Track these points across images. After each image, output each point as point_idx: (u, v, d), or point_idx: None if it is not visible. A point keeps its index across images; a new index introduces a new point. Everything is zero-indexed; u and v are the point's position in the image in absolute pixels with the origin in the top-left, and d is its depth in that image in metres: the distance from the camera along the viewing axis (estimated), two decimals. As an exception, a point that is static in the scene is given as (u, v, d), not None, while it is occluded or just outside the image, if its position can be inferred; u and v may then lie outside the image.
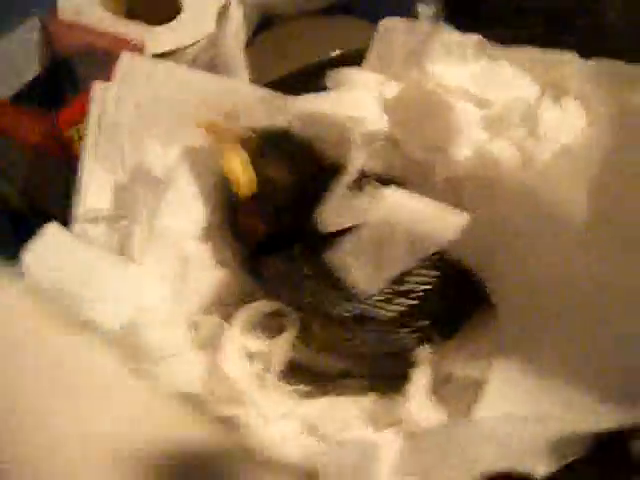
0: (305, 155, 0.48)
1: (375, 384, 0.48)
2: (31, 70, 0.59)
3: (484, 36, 0.49)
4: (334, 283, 0.45)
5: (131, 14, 0.64)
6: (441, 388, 0.46)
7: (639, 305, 0.41)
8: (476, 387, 0.44)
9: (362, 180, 0.46)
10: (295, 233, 0.47)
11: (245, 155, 0.46)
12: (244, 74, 0.59)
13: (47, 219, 0.47)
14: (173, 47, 0.59)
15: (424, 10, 0.56)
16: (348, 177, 0.44)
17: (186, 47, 0.59)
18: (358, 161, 0.44)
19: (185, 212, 0.47)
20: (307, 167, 0.48)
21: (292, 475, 0.41)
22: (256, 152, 0.47)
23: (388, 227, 0.43)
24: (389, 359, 0.48)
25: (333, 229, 0.44)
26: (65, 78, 0.58)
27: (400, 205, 0.44)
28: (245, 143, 0.47)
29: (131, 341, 0.43)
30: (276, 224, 0.48)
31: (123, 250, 0.47)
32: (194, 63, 0.59)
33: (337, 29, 0.63)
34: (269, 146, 0.48)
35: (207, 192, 0.48)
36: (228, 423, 0.42)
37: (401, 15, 0.51)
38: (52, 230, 0.45)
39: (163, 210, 0.46)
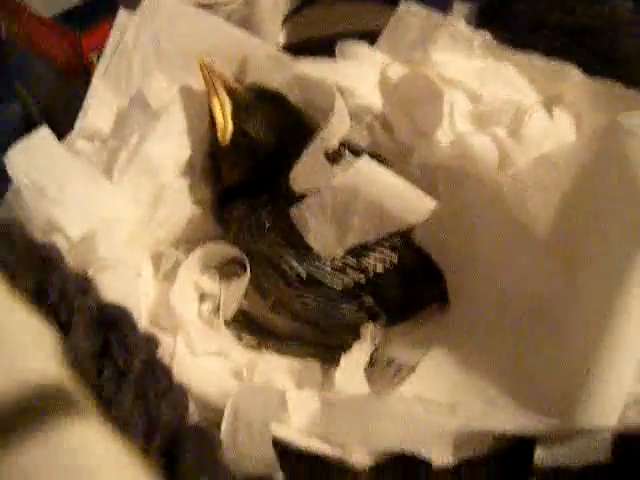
0: (290, 119, 0.49)
1: (319, 352, 0.49)
2: (77, -5, 0.62)
3: (503, 39, 0.49)
4: (292, 240, 0.46)
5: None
6: (374, 368, 0.46)
7: (584, 325, 0.41)
8: (407, 373, 0.44)
9: (343, 150, 0.47)
10: (265, 184, 0.48)
11: (229, 105, 0.48)
12: (274, 39, 0.61)
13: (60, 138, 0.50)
14: (210, 1, 0.60)
15: (459, 9, 0.56)
16: (322, 140, 0.44)
17: (222, 3, 0.61)
18: (337, 128, 0.45)
19: (169, 145, 0.49)
20: (289, 131, 0.48)
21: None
22: (241, 105, 0.48)
23: (352, 194, 0.44)
24: (338, 330, 0.49)
25: (301, 189, 0.45)
26: (105, 9, 0.60)
27: (370, 176, 0.44)
28: (233, 94, 0.48)
29: (87, 249, 0.44)
30: (248, 175, 0.49)
31: (105, 168, 0.48)
32: (227, 19, 0.61)
33: (379, 16, 0.64)
34: (255, 103, 0.49)
35: (195, 130, 0.49)
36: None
37: (441, 9, 0.52)
38: (43, 134, 0.47)
39: (149, 138, 0.48)
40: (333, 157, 0.47)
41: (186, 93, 0.49)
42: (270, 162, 0.48)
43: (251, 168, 0.49)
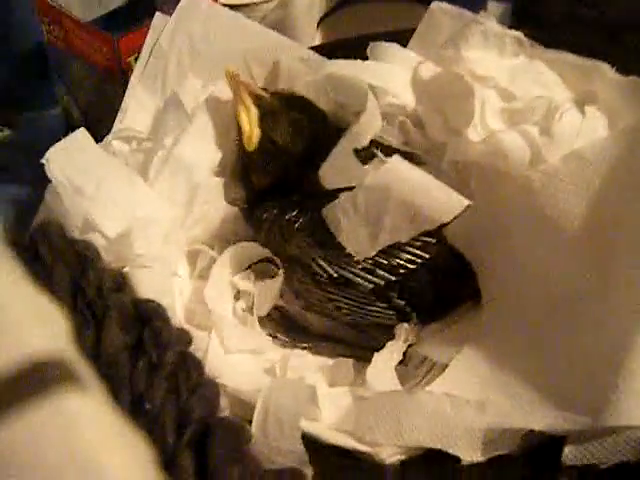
0: (316, 124, 0.49)
1: (352, 352, 0.49)
2: (115, 1, 0.63)
3: (536, 37, 0.49)
4: (321, 241, 0.47)
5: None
6: (407, 365, 0.47)
7: (616, 323, 0.40)
8: (439, 371, 0.45)
9: (375, 149, 0.47)
10: (295, 186, 0.48)
11: (256, 112, 0.49)
12: (309, 40, 0.62)
13: (100, 141, 0.51)
14: (245, 1, 0.61)
15: (492, 8, 0.56)
16: (352, 137, 0.44)
17: (257, 4, 0.62)
18: (368, 126, 0.45)
19: (203, 145, 0.50)
20: (316, 136, 0.49)
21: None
22: (267, 112, 0.49)
23: (384, 194, 0.44)
24: (371, 330, 0.49)
25: (331, 187, 0.46)
26: (143, 13, 0.61)
27: (401, 175, 0.44)
28: (259, 101, 0.49)
29: (123, 247, 0.45)
30: (277, 178, 0.49)
31: (141, 169, 0.49)
32: (262, 20, 0.62)
33: (412, 15, 0.64)
34: (281, 109, 0.49)
35: (227, 132, 0.50)
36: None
37: (476, 10, 0.52)
38: (81, 135, 0.49)
39: (184, 139, 0.49)
40: (365, 156, 0.47)
41: (219, 95, 0.50)
42: (299, 165, 0.49)
43: (279, 172, 0.49)
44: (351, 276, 0.46)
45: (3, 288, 0.23)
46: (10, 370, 0.20)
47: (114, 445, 0.21)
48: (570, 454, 0.37)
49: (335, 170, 0.45)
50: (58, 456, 0.20)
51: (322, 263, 0.47)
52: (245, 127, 0.49)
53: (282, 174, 0.50)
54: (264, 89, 0.50)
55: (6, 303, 0.23)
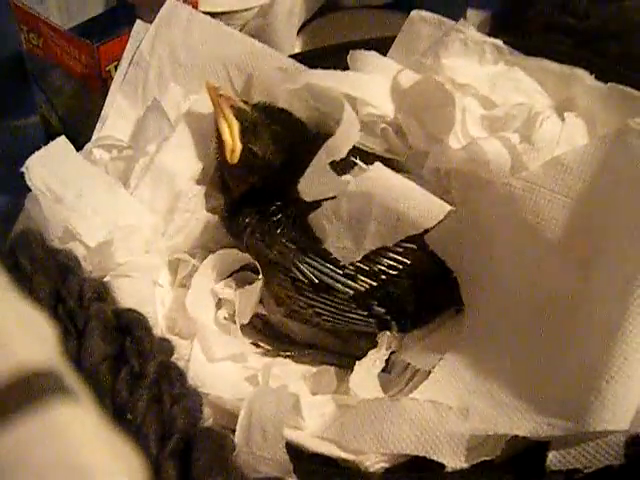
0: (297, 136, 0.49)
1: (335, 360, 0.49)
2: (95, 8, 0.63)
3: (515, 45, 0.49)
4: (303, 247, 0.47)
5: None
6: (390, 372, 0.47)
7: (598, 329, 0.41)
8: (422, 378, 0.45)
9: (355, 159, 0.47)
10: (276, 193, 0.48)
11: (237, 125, 0.49)
12: (289, 47, 0.62)
13: (79, 149, 0.51)
14: (226, 9, 0.61)
15: (472, 16, 0.57)
16: (327, 151, 0.44)
17: (238, 11, 0.62)
18: (344, 139, 0.45)
19: (185, 155, 0.50)
20: (297, 147, 0.49)
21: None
22: (249, 125, 0.49)
23: (366, 200, 0.44)
24: (353, 338, 0.49)
25: (309, 199, 0.46)
26: (124, 20, 0.61)
27: (383, 182, 0.44)
28: (240, 114, 0.49)
29: (104, 256, 0.45)
30: (255, 187, 0.49)
31: (122, 177, 0.49)
32: (242, 28, 0.62)
33: (393, 23, 0.64)
34: (262, 122, 0.49)
35: (208, 141, 0.50)
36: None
37: (456, 18, 0.52)
38: (61, 143, 0.48)
39: (165, 148, 0.49)
40: (346, 164, 0.47)
41: (200, 104, 0.50)
42: (279, 174, 0.49)
43: (259, 182, 0.49)
44: (331, 282, 0.46)
45: None
46: (1, 379, 0.20)
47: (103, 454, 0.21)
48: (554, 459, 0.37)
49: (312, 183, 0.45)
50: (47, 466, 0.20)
51: (303, 268, 0.47)
52: (228, 140, 0.48)
53: (262, 183, 0.49)
54: (245, 102, 0.50)
55: None
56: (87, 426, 0.21)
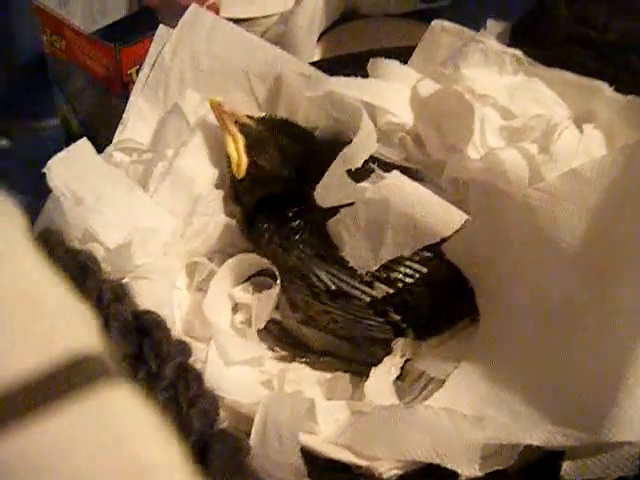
0: (303, 147, 0.50)
1: (350, 367, 0.49)
2: (117, 12, 0.64)
3: (535, 56, 0.49)
4: (321, 253, 0.47)
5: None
6: (405, 380, 0.47)
7: (614, 340, 0.41)
8: (437, 386, 0.45)
9: (373, 166, 0.48)
10: (294, 199, 0.49)
11: (242, 140, 0.49)
12: (309, 55, 0.62)
13: (99, 152, 0.51)
14: (247, 15, 0.62)
15: (492, 26, 0.57)
16: (344, 158, 0.44)
17: (259, 18, 0.62)
18: (362, 147, 0.45)
19: (204, 159, 0.50)
20: (303, 158, 0.49)
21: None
22: (254, 139, 0.50)
23: (384, 209, 0.44)
24: (368, 345, 0.49)
25: (326, 205, 0.46)
26: (146, 26, 0.62)
27: (401, 190, 0.45)
28: (244, 129, 0.50)
29: (123, 257, 0.45)
30: (273, 197, 0.50)
31: (141, 180, 0.50)
32: (263, 35, 0.62)
33: (413, 33, 0.64)
34: (267, 136, 0.50)
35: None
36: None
37: (476, 29, 0.52)
38: (82, 145, 0.49)
39: (184, 152, 0.49)
40: (363, 172, 0.47)
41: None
42: (294, 181, 0.49)
43: (268, 194, 0.50)
44: (349, 289, 0.47)
45: (37, 278, 0.23)
46: (51, 364, 0.20)
47: (156, 440, 0.22)
48: (569, 469, 0.38)
49: (329, 190, 0.45)
50: (100, 451, 0.20)
51: (321, 275, 0.47)
52: (233, 155, 0.49)
53: (273, 193, 0.50)
54: (249, 117, 0.50)
55: (43, 293, 0.23)
56: (140, 412, 0.21)
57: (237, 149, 0.49)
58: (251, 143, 0.49)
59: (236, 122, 0.49)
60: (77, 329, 0.22)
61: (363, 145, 0.45)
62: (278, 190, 0.50)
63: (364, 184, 0.46)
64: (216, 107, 0.49)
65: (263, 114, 0.51)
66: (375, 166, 0.47)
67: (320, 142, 0.50)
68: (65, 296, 0.23)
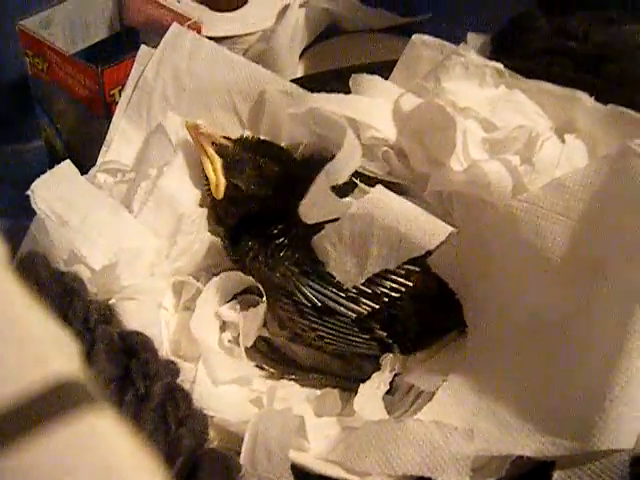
0: (281, 166, 0.50)
1: (339, 383, 0.49)
2: (99, 33, 0.64)
3: (516, 67, 0.50)
4: (305, 270, 0.47)
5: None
6: (394, 394, 0.47)
7: (601, 349, 0.41)
8: (426, 399, 0.45)
9: (356, 182, 0.48)
10: (277, 217, 0.49)
11: (219, 161, 0.50)
12: (292, 72, 0.62)
13: (83, 173, 0.51)
14: (229, 34, 0.62)
15: (473, 39, 0.57)
16: (327, 174, 0.44)
17: (241, 36, 0.62)
18: (345, 163, 0.45)
19: (186, 179, 0.50)
20: (281, 178, 0.50)
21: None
22: (231, 160, 0.50)
23: (368, 223, 0.44)
24: (357, 360, 0.49)
25: (310, 222, 0.46)
26: (128, 45, 0.62)
27: (385, 204, 0.45)
28: (222, 150, 0.50)
29: (109, 278, 0.45)
30: (256, 215, 0.50)
31: (125, 201, 0.50)
32: (245, 53, 0.62)
33: (394, 47, 0.65)
34: (243, 156, 0.50)
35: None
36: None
37: (454, 43, 0.53)
38: (66, 167, 0.49)
39: (168, 172, 0.49)
40: (346, 189, 0.48)
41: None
42: (276, 199, 0.49)
43: (247, 213, 0.50)
44: (334, 305, 0.47)
45: (17, 306, 0.23)
46: (33, 389, 0.20)
47: (139, 463, 0.21)
48: (559, 479, 0.38)
49: (313, 206, 0.45)
50: (82, 475, 0.20)
51: (306, 291, 0.47)
52: (211, 177, 0.50)
53: (252, 212, 0.50)
54: (227, 138, 0.51)
55: (24, 321, 0.23)
56: (122, 437, 0.21)
57: (215, 170, 0.50)
58: (228, 164, 0.50)
59: (213, 143, 0.50)
60: (58, 356, 0.22)
61: (347, 160, 0.45)
62: (257, 210, 0.50)
63: (348, 199, 0.46)
64: (193, 129, 0.50)
65: (241, 134, 0.52)
66: (359, 181, 0.48)
67: (301, 160, 0.51)
68: (45, 323, 0.23)
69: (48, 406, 0.20)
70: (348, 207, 0.45)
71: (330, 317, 0.47)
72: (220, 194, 0.50)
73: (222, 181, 0.50)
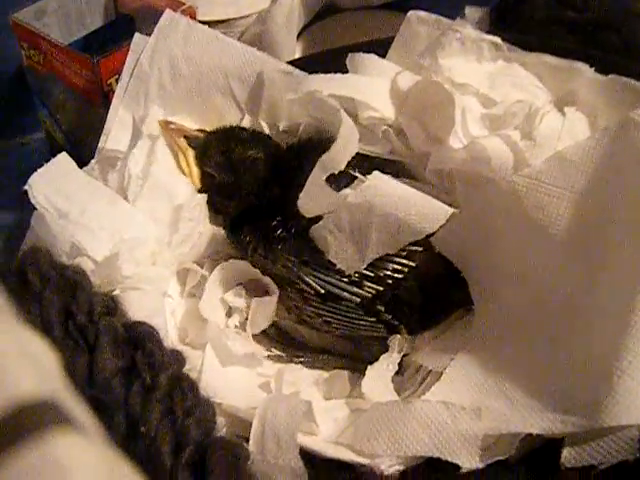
0: (256, 150, 0.50)
1: (348, 364, 0.49)
2: (94, 22, 0.63)
3: (515, 40, 0.49)
4: (305, 259, 0.47)
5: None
6: (403, 375, 0.47)
7: (607, 323, 0.40)
8: (435, 379, 0.45)
9: (353, 168, 0.47)
10: (274, 208, 0.49)
11: (191, 152, 0.50)
12: (290, 53, 0.62)
13: (84, 164, 0.51)
14: (224, 17, 0.61)
15: (471, 13, 0.57)
16: (322, 166, 0.44)
17: (236, 19, 0.62)
18: (341, 152, 0.45)
19: (174, 167, 0.50)
20: (254, 162, 0.50)
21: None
22: (200, 149, 0.50)
23: (367, 210, 0.44)
24: (365, 342, 0.49)
25: (310, 214, 0.46)
26: (124, 33, 0.61)
27: (382, 191, 0.44)
28: (193, 141, 0.50)
29: (111, 269, 0.45)
30: (241, 206, 0.50)
31: (121, 190, 0.49)
32: (242, 36, 0.62)
33: (392, 24, 0.64)
34: (212, 144, 0.50)
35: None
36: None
37: (453, 17, 0.52)
38: (62, 159, 0.49)
39: (156, 160, 0.49)
40: (345, 175, 0.47)
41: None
42: (260, 191, 0.50)
43: (234, 202, 0.51)
44: (338, 290, 0.47)
45: None
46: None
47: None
48: (569, 456, 0.37)
49: (310, 199, 0.45)
50: None
51: (308, 280, 0.47)
52: (184, 169, 0.50)
53: (249, 200, 0.50)
54: (201, 130, 0.51)
55: None
56: (88, 458, 0.21)
57: (187, 161, 0.50)
58: (199, 153, 0.50)
59: (185, 137, 0.50)
60: (32, 372, 0.22)
61: (343, 149, 0.45)
62: (250, 199, 0.50)
63: (346, 191, 0.46)
64: (164, 126, 0.51)
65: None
66: (361, 164, 0.47)
67: (292, 145, 0.51)
68: (19, 335, 0.23)
69: (12, 429, 0.20)
70: (345, 199, 0.45)
71: (335, 302, 0.47)
72: (196, 183, 0.51)
73: (195, 170, 0.50)
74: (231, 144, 0.50)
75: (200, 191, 0.50)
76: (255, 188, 0.50)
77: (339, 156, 0.44)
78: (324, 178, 0.44)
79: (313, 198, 0.44)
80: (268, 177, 0.49)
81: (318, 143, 0.47)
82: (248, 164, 0.50)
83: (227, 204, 0.51)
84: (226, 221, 0.51)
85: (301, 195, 0.45)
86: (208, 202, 0.51)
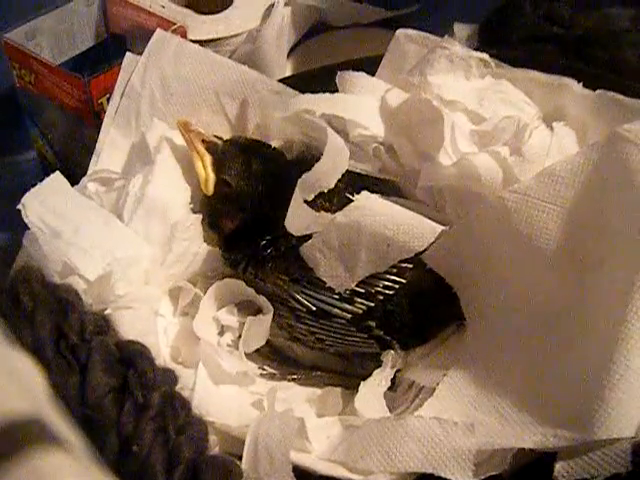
0: (270, 165, 0.50)
1: (341, 381, 0.49)
2: (85, 42, 0.64)
3: (503, 56, 0.50)
4: (296, 277, 0.47)
5: (188, 2, 0.68)
6: (396, 391, 0.47)
7: (597, 337, 0.41)
8: (427, 395, 0.45)
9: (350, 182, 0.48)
10: (263, 228, 0.49)
11: (209, 157, 0.50)
12: (280, 71, 0.62)
13: (76, 183, 0.51)
14: (215, 36, 0.62)
15: (459, 30, 0.57)
16: (303, 187, 0.45)
17: (227, 38, 0.62)
18: (323, 172, 0.45)
19: (173, 185, 0.50)
20: (270, 176, 0.50)
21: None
22: (221, 158, 0.50)
23: (355, 230, 0.45)
24: (358, 359, 0.49)
25: (299, 234, 0.46)
26: (115, 53, 0.62)
27: (370, 210, 0.45)
28: (212, 147, 0.50)
29: (104, 289, 0.45)
30: (243, 222, 0.50)
31: (115, 209, 0.49)
32: (232, 54, 0.62)
33: (382, 42, 0.64)
34: (233, 154, 0.50)
35: (192, 171, 0.51)
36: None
37: (442, 34, 0.52)
38: (55, 179, 0.49)
39: (153, 180, 0.49)
40: (336, 193, 0.48)
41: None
42: (261, 205, 0.50)
43: (242, 215, 0.50)
44: (329, 307, 0.47)
45: None
46: None
47: None
48: (562, 470, 0.37)
49: (294, 220, 0.46)
50: None
51: (299, 297, 0.47)
52: (201, 173, 0.50)
53: (247, 216, 0.50)
54: (218, 137, 0.51)
55: None
56: (74, 475, 0.21)
57: (204, 166, 0.50)
58: (217, 160, 0.50)
59: (203, 141, 0.50)
60: (17, 391, 0.22)
61: (328, 169, 0.45)
62: (249, 214, 0.50)
63: (321, 215, 0.46)
64: (183, 126, 0.50)
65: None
66: (352, 182, 0.48)
67: (290, 163, 0.51)
68: (4, 355, 0.23)
69: None
70: (328, 219, 0.45)
71: (326, 320, 0.47)
72: (210, 190, 0.50)
73: (211, 177, 0.50)
74: (252, 156, 0.50)
75: (212, 200, 0.50)
76: (259, 200, 0.50)
77: (324, 175, 0.45)
78: (311, 197, 0.45)
79: (297, 218, 0.45)
80: (262, 194, 0.49)
81: (310, 161, 0.48)
82: (268, 179, 0.50)
83: (233, 216, 0.50)
84: (220, 239, 0.51)
85: (288, 215, 0.45)
86: (208, 214, 0.51)
